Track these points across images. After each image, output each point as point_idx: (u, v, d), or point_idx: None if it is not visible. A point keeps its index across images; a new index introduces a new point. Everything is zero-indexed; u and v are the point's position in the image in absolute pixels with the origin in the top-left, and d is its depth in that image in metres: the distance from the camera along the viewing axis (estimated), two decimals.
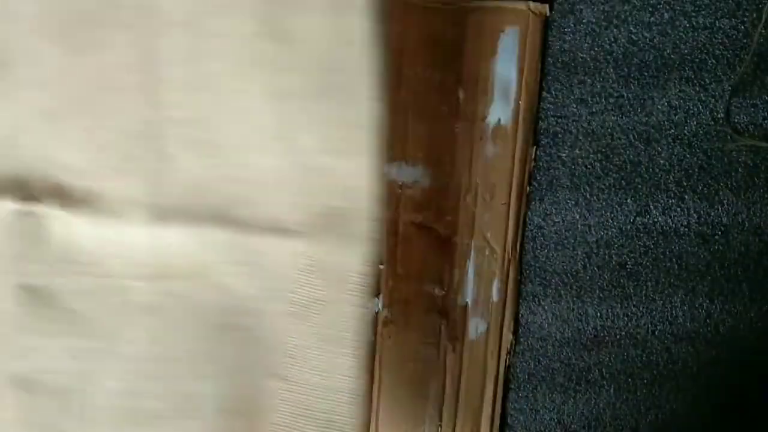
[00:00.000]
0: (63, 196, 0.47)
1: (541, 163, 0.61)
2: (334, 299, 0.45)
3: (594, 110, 0.61)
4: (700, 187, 0.61)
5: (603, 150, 0.61)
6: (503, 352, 0.61)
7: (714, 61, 0.60)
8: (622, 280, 0.61)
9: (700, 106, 0.60)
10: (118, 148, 0.46)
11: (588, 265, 0.61)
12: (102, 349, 0.47)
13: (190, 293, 0.46)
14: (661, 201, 0.61)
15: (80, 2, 0.45)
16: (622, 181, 0.61)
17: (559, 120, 0.61)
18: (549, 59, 0.60)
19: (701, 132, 0.60)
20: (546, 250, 0.61)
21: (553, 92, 0.61)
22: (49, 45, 0.46)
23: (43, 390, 0.47)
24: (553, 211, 0.61)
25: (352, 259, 0.45)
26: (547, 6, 0.60)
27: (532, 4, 0.60)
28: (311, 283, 0.46)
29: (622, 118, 0.60)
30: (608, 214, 0.61)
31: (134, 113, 0.45)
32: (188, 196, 0.46)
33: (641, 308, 0.61)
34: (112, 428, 0.47)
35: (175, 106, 0.45)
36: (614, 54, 0.60)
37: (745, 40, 0.60)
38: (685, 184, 0.61)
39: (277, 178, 0.45)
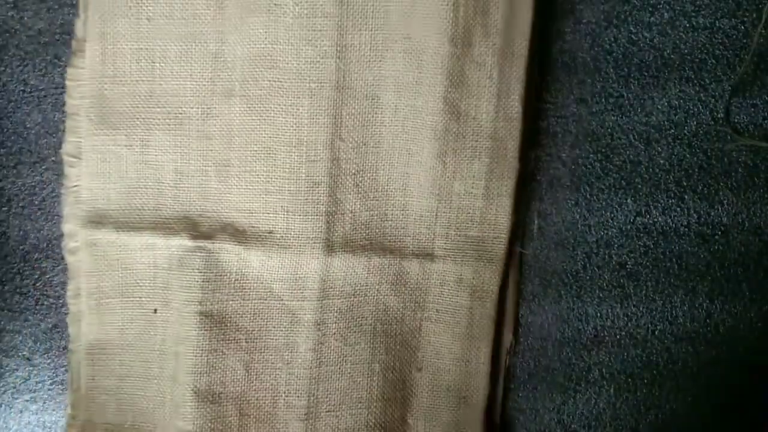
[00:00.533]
0: (235, 233, 0.56)
1: (541, 163, 0.61)
2: (474, 306, 0.57)
3: (594, 110, 0.61)
4: (700, 187, 0.61)
5: (603, 150, 0.61)
6: (503, 352, 0.61)
7: (714, 61, 0.60)
8: (622, 280, 0.61)
9: (700, 106, 0.60)
10: (297, 193, 0.56)
11: (588, 265, 0.61)
12: (274, 360, 0.57)
13: (351, 309, 0.57)
14: (661, 201, 0.61)
15: (268, 73, 0.55)
16: (622, 181, 0.61)
17: (559, 120, 0.61)
18: (549, 59, 0.60)
19: (701, 132, 0.61)
20: (546, 250, 0.61)
21: (553, 92, 0.61)
22: (228, 104, 0.56)
23: (222, 399, 0.57)
24: (553, 211, 0.61)
25: (489, 276, 0.57)
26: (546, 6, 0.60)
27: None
28: (456, 294, 0.57)
29: (622, 118, 0.60)
30: (608, 214, 0.61)
31: (321, 164, 0.56)
32: (355, 232, 0.56)
33: (641, 308, 0.61)
34: (293, 424, 0.57)
35: (348, 160, 0.56)
36: (614, 54, 0.60)
37: (745, 40, 0.60)
38: (685, 184, 0.61)
39: (430, 215, 0.57)
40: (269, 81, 0.55)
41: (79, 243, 0.57)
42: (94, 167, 0.56)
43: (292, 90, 0.55)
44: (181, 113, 0.56)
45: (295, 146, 0.56)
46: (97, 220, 0.56)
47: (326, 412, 0.57)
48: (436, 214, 0.57)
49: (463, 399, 0.58)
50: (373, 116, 0.56)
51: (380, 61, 0.55)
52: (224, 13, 0.55)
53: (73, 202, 0.57)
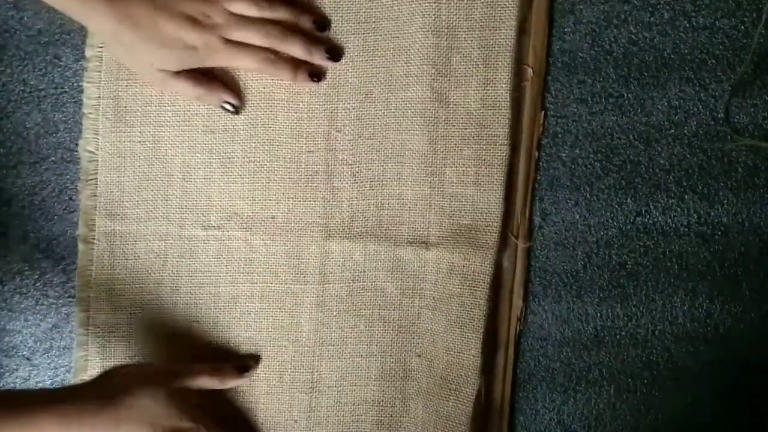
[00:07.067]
0: (241, 221, 0.61)
1: (541, 163, 0.61)
2: (464, 294, 0.59)
3: (594, 110, 0.61)
4: (700, 187, 0.61)
5: (603, 150, 0.61)
6: (511, 330, 0.61)
7: (714, 61, 0.60)
8: (622, 280, 0.61)
9: (700, 106, 0.60)
10: (297, 181, 0.60)
11: (588, 265, 0.61)
12: (280, 338, 0.61)
13: (351, 294, 0.61)
14: (661, 201, 0.61)
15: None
16: (622, 181, 0.61)
17: (559, 120, 0.61)
18: (549, 59, 0.60)
19: (701, 132, 0.61)
20: (546, 250, 0.61)
21: (553, 92, 0.61)
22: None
23: None
24: (553, 211, 0.61)
25: (481, 263, 0.59)
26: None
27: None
28: (449, 282, 0.59)
29: (622, 118, 0.61)
30: (608, 214, 0.61)
31: (318, 155, 0.60)
32: (352, 219, 0.60)
33: (641, 308, 0.61)
34: (298, 396, 0.61)
35: (344, 151, 0.60)
36: (614, 54, 0.60)
37: (745, 40, 0.60)
38: (685, 184, 0.61)
39: (423, 203, 0.60)
40: (271, 79, 0.60)
41: (95, 233, 0.61)
42: (110, 161, 0.61)
43: (293, 87, 0.60)
44: (188, 110, 0.61)
45: (295, 138, 0.60)
46: (113, 211, 0.61)
47: (328, 387, 0.61)
48: (430, 202, 0.59)
49: (453, 390, 0.59)
50: (367, 110, 0.60)
51: (372, 59, 0.60)
52: None
53: (90, 195, 0.61)
